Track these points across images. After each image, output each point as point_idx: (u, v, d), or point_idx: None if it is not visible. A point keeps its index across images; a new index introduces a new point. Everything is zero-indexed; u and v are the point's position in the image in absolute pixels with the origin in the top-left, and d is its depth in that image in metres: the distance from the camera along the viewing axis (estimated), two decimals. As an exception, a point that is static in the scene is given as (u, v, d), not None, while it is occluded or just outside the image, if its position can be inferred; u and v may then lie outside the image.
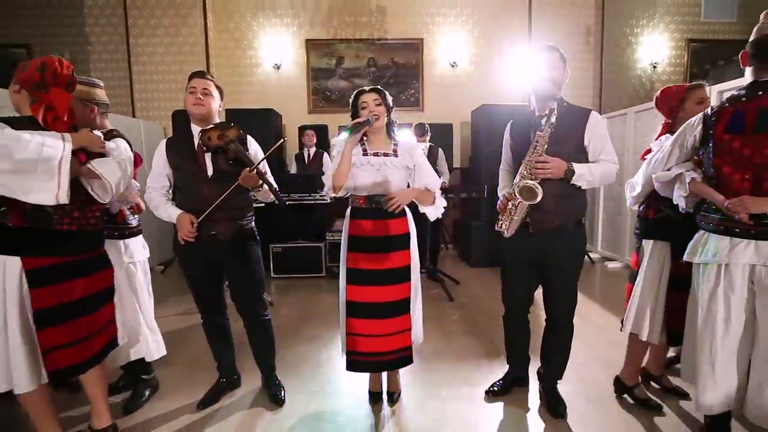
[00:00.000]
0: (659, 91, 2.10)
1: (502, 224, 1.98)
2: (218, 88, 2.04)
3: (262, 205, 2.39)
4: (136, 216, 2.21)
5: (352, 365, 2.01)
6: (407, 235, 2.03)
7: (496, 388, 2.27)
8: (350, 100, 2.01)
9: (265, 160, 1.99)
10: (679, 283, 1.92)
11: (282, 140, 2.21)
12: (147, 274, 2.26)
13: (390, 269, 1.97)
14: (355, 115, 1.98)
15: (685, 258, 1.72)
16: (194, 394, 2.26)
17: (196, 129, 2.00)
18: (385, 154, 1.98)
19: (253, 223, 2.15)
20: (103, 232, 1.86)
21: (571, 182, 1.86)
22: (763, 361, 1.53)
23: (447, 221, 6.07)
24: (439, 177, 2.37)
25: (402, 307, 2.00)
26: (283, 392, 2.25)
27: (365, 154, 1.98)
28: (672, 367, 2.45)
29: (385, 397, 2.23)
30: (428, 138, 4.67)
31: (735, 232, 1.55)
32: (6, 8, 5.76)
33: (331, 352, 2.82)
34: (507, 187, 2.06)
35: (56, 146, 1.51)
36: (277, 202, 1.98)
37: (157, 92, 5.95)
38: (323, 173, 4.42)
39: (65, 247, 1.65)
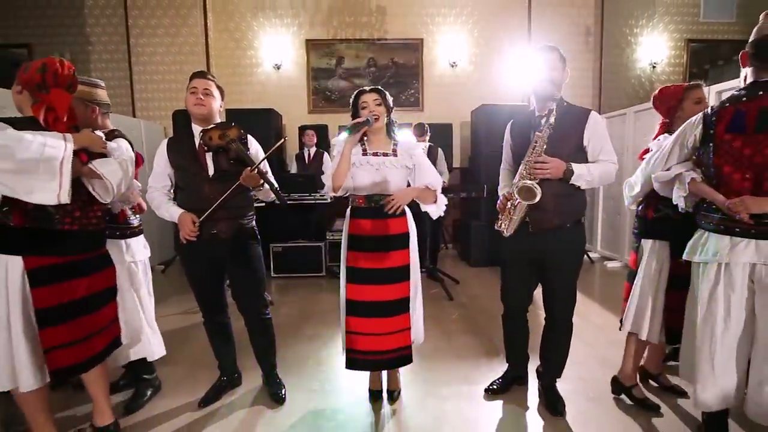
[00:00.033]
0: (657, 91, 2.10)
1: (501, 224, 2.00)
2: (219, 88, 2.05)
3: (263, 204, 2.39)
4: (137, 216, 2.22)
5: (352, 363, 2.02)
6: (407, 235, 2.04)
7: (495, 387, 2.29)
8: (350, 100, 2.02)
9: (265, 160, 2.00)
10: (678, 282, 1.93)
11: (283, 140, 2.22)
12: (148, 273, 2.27)
13: (389, 268, 1.98)
14: (355, 115, 1.99)
15: (685, 257, 1.73)
16: (195, 393, 2.27)
17: (197, 129, 2.01)
18: (385, 154, 1.99)
19: (254, 223, 2.16)
20: (105, 231, 1.87)
21: (570, 182, 1.87)
22: (762, 360, 1.54)
23: (447, 221, 6.08)
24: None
25: (401, 306, 2.01)
26: (283, 390, 2.26)
27: (365, 153, 1.99)
28: (666, 365, 2.46)
29: (385, 395, 2.24)
30: (428, 138, 4.68)
31: (735, 232, 1.56)
32: (6, 8, 5.77)
33: (331, 351, 2.83)
34: (507, 187, 2.07)
35: (58, 146, 1.53)
36: (278, 201, 2.00)
37: (158, 92, 5.96)
38: (323, 173, 4.44)
39: (67, 246, 1.66)
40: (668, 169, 1.78)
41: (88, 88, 1.95)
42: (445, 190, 2.09)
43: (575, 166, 1.85)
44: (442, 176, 4.58)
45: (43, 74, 1.59)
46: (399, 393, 2.25)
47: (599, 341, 2.91)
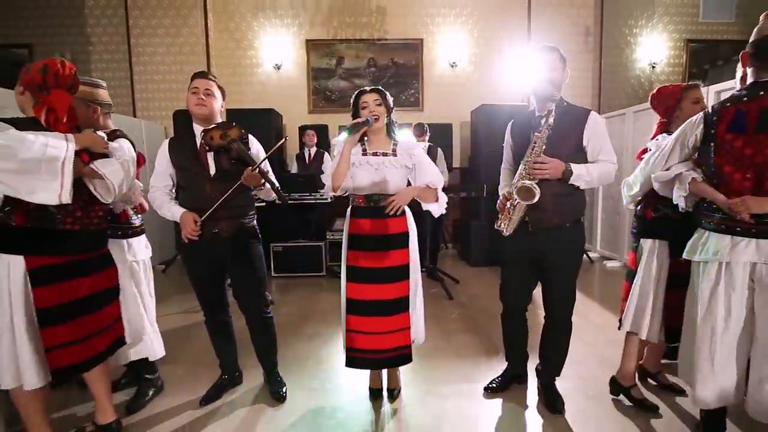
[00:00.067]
0: (655, 90, 2.11)
1: (501, 223, 2.01)
2: (220, 88, 2.06)
3: (263, 204, 2.41)
4: (139, 216, 2.23)
5: (351, 362, 2.04)
6: (406, 234, 2.04)
7: (494, 385, 2.30)
8: (351, 101, 2.03)
9: (266, 160, 2.01)
10: (678, 282, 1.94)
11: (284, 139, 2.23)
12: (149, 273, 2.28)
13: (389, 267, 1.99)
14: (355, 115, 2.00)
15: (685, 256, 1.74)
16: (196, 391, 2.28)
17: (198, 129, 2.02)
18: (384, 154, 2.00)
19: (255, 222, 2.17)
20: (107, 231, 1.88)
21: (569, 183, 1.88)
22: (762, 358, 1.55)
23: (447, 221, 6.09)
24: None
25: (401, 305, 2.02)
26: (284, 389, 2.27)
27: (364, 153, 2.00)
28: (665, 364, 2.47)
29: (385, 393, 2.25)
30: (427, 138, 4.69)
31: (736, 231, 1.57)
32: (7, 8, 5.78)
33: (331, 350, 2.84)
34: (508, 186, 2.08)
35: (59, 147, 1.54)
36: (279, 200, 2.01)
37: (158, 92, 5.98)
38: (323, 173, 4.45)
39: (68, 246, 1.67)
40: (668, 169, 1.79)
41: (90, 88, 1.96)
42: (445, 190, 2.10)
43: (574, 167, 1.86)
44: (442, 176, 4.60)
45: (44, 75, 1.60)
46: (399, 391, 2.26)
47: (598, 340, 2.92)
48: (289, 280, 4.60)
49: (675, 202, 1.78)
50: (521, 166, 1.91)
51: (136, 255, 2.16)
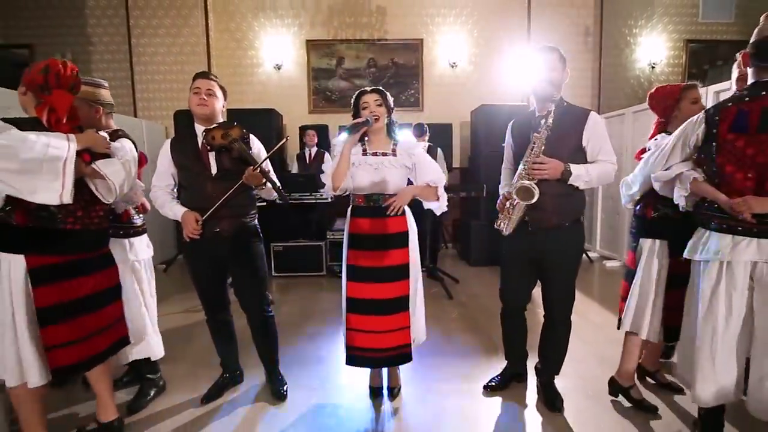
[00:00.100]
0: (653, 90, 2.11)
1: (501, 222, 2.02)
2: (222, 88, 2.07)
3: (264, 204, 2.42)
4: (140, 215, 2.23)
5: (351, 360, 2.05)
6: (405, 234, 2.05)
7: (493, 384, 2.31)
8: (352, 101, 2.05)
9: (268, 159, 2.03)
10: (677, 281, 1.94)
11: (285, 139, 2.25)
12: (151, 272, 2.28)
13: (388, 267, 2.00)
14: (356, 115, 2.02)
15: (686, 255, 1.74)
16: (198, 390, 2.29)
17: (199, 128, 2.04)
18: (384, 154, 2.01)
19: (256, 221, 2.18)
20: (108, 231, 1.89)
21: (569, 183, 1.89)
22: (761, 357, 1.56)
23: (447, 221, 6.11)
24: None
25: (400, 304, 2.03)
26: (285, 387, 2.28)
27: (364, 153, 2.01)
28: (663, 363, 2.48)
29: (385, 392, 2.26)
30: (427, 138, 4.71)
31: (738, 231, 1.57)
32: (8, 9, 5.79)
33: (332, 349, 2.85)
34: (508, 186, 2.09)
35: (61, 147, 1.54)
36: (280, 200, 2.02)
37: (159, 92, 5.99)
38: (324, 172, 4.46)
39: (69, 246, 1.67)
40: (668, 169, 1.79)
41: (92, 88, 1.97)
42: (445, 190, 2.11)
43: (573, 167, 1.87)
44: (442, 176, 4.61)
45: (45, 75, 1.60)
46: (399, 390, 2.28)
47: (598, 340, 2.93)
48: (290, 280, 4.61)
49: (676, 202, 1.78)
50: (520, 166, 1.92)
51: (137, 254, 2.16)
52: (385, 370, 2.28)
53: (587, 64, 6.32)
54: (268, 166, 2.03)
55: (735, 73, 1.95)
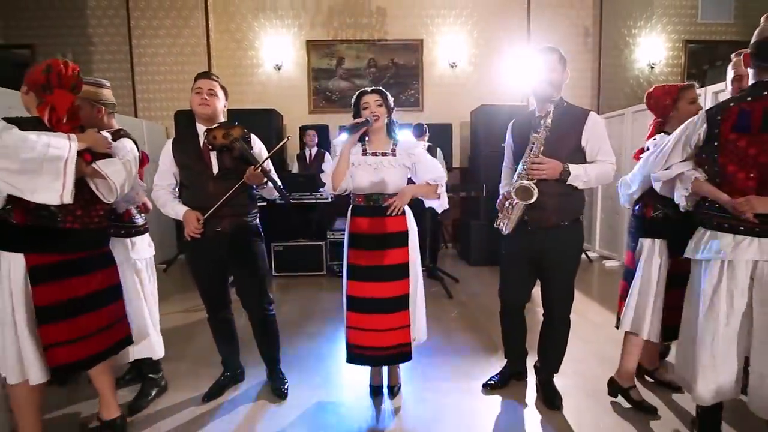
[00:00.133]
0: (651, 89, 2.11)
1: (500, 222, 2.04)
2: (223, 88, 2.08)
3: (264, 203, 2.43)
4: (142, 215, 2.24)
5: (352, 358, 2.07)
6: (405, 233, 2.06)
7: (492, 382, 2.32)
8: (352, 101, 2.06)
9: (269, 159, 2.04)
10: (677, 281, 1.95)
11: (287, 138, 2.26)
12: (153, 272, 2.28)
13: (388, 266, 2.01)
14: (356, 115, 2.03)
15: (688, 255, 1.75)
16: (199, 388, 2.31)
17: (201, 128, 2.05)
18: (384, 154, 2.02)
19: (257, 220, 2.19)
20: (108, 230, 1.89)
21: (567, 183, 1.90)
22: (762, 354, 1.57)
23: (447, 221, 6.12)
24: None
25: (400, 303, 2.03)
26: (286, 385, 2.29)
27: (364, 153, 2.03)
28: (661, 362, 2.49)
29: (385, 390, 2.28)
30: (427, 138, 4.73)
31: (739, 230, 1.58)
32: (9, 9, 5.81)
33: (332, 348, 2.87)
34: (508, 185, 2.10)
35: (62, 147, 1.55)
36: (281, 199, 2.03)
37: (160, 92, 6.00)
38: (323, 172, 4.48)
39: (68, 245, 1.68)
40: (668, 168, 1.79)
41: (94, 88, 1.98)
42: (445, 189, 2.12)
43: (572, 167, 1.88)
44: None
45: (47, 75, 1.61)
46: (399, 388, 2.29)
47: (597, 339, 2.95)
48: (290, 279, 4.62)
49: (676, 202, 1.78)
50: (520, 166, 1.93)
51: (139, 254, 2.17)
52: (385, 369, 2.29)
53: (587, 65, 6.34)
54: (269, 165, 2.04)
55: (730, 73, 1.95)
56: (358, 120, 1.96)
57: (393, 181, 2.01)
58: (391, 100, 2.05)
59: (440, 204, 2.08)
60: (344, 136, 1.95)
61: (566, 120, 1.92)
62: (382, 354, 2.03)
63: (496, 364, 2.50)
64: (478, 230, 5.13)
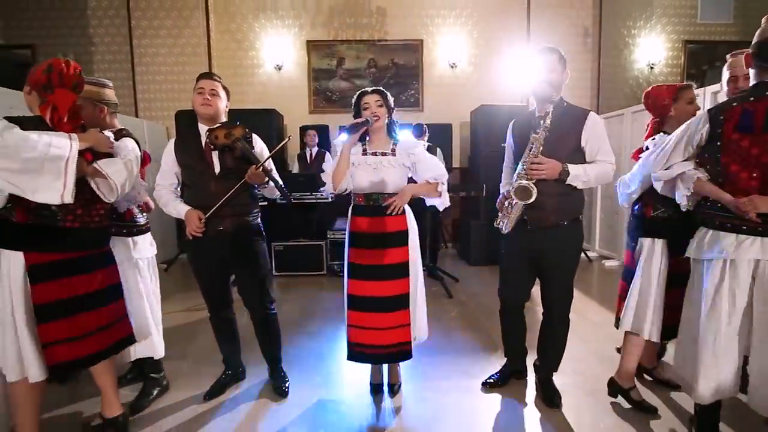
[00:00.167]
0: (650, 89, 2.12)
1: (500, 221, 2.05)
2: (225, 88, 2.10)
3: (265, 203, 2.44)
4: (144, 214, 2.24)
5: (352, 356, 2.09)
6: (405, 232, 2.07)
7: (491, 380, 2.34)
8: (353, 101, 2.07)
9: (270, 158, 2.05)
10: (677, 280, 1.96)
11: (288, 138, 2.27)
12: (155, 271, 2.29)
13: (388, 265, 2.03)
14: (357, 116, 2.04)
15: (690, 255, 1.75)
16: (201, 387, 2.32)
17: (203, 128, 2.06)
18: (383, 154, 2.04)
19: (259, 220, 2.21)
20: (109, 229, 1.89)
21: (567, 183, 1.91)
22: (762, 352, 1.57)
23: (446, 220, 6.13)
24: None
25: (400, 302, 2.05)
26: (287, 384, 2.31)
27: (364, 153, 2.04)
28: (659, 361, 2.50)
29: (386, 388, 2.29)
30: (426, 138, 4.74)
31: (742, 230, 1.58)
32: (10, 9, 5.82)
33: (332, 347, 2.88)
34: (508, 185, 2.11)
35: (63, 146, 1.56)
36: (282, 198, 2.05)
37: (160, 93, 6.01)
38: (324, 171, 4.49)
39: (67, 243, 1.68)
40: (669, 168, 1.79)
41: (97, 88, 1.99)
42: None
43: (571, 167, 1.89)
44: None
45: (48, 75, 1.61)
46: (399, 386, 2.30)
47: (596, 338, 2.96)
48: (290, 279, 4.64)
49: (678, 201, 1.78)
50: (519, 166, 1.95)
51: (141, 253, 2.17)
52: (385, 367, 2.31)
53: (586, 65, 6.35)
54: (270, 165, 2.06)
55: (726, 74, 1.95)
56: (359, 120, 1.97)
57: (393, 180, 2.02)
58: (391, 100, 2.06)
59: (442, 202, 2.09)
60: (344, 136, 1.97)
61: (566, 120, 1.93)
62: (382, 352, 2.05)
63: (495, 363, 2.51)
64: (478, 230, 5.14)
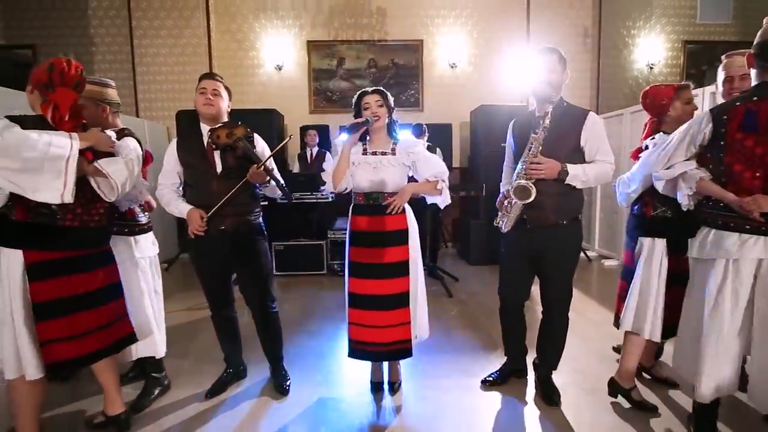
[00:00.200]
0: (648, 89, 2.12)
1: (500, 220, 2.06)
2: (227, 88, 2.11)
3: (266, 203, 2.46)
4: (146, 213, 2.25)
5: (353, 353, 2.11)
6: (404, 231, 2.07)
7: (491, 379, 2.35)
8: (353, 101, 2.08)
9: (272, 158, 2.07)
10: (676, 280, 1.97)
11: (289, 137, 2.28)
12: (157, 270, 2.29)
13: (387, 264, 2.04)
14: (358, 115, 2.06)
15: (692, 255, 1.76)
16: (202, 385, 2.33)
17: (205, 128, 2.08)
18: (383, 153, 2.05)
19: (260, 219, 2.22)
20: (109, 229, 1.89)
21: (566, 183, 1.92)
22: (763, 350, 1.58)
23: (446, 220, 6.14)
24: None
25: (400, 300, 2.06)
26: (288, 382, 2.32)
27: (365, 153, 2.06)
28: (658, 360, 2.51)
29: (386, 386, 2.30)
30: (426, 138, 4.75)
31: (745, 229, 1.59)
32: (11, 9, 5.83)
33: (333, 345, 2.89)
34: (508, 184, 2.12)
35: (63, 146, 1.56)
36: (283, 197, 2.06)
37: (161, 93, 6.02)
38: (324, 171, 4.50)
39: (67, 242, 1.68)
40: (670, 167, 1.79)
41: (99, 87, 2.00)
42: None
43: (570, 167, 1.90)
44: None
45: (50, 74, 1.62)
46: (400, 385, 2.31)
47: (595, 337, 2.97)
48: (291, 278, 4.65)
49: (679, 201, 1.78)
50: (519, 166, 1.96)
51: (143, 252, 2.18)
52: (385, 365, 2.32)
53: (586, 65, 6.36)
54: (271, 164, 2.07)
55: (721, 75, 1.96)
56: (359, 120, 1.99)
57: (392, 180, 2.03)
58: (391, 100, 2.07)
59: (443, 200, 2.10)
60: (345, 136, 1.98)
61: (566, 120, 1.94)
62: (382, 350, 2.06)
63: (495, 362, 2.53)
64: (478, 230, 5.16)
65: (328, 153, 5.33)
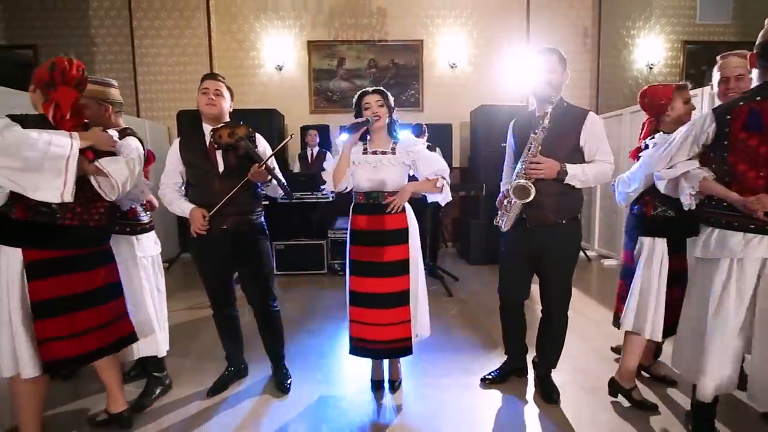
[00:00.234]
0: (646, 89, 2.14)
1: (500, 219, 2.08)
2: (229, 89, 2.13)
3: (267, 202, 2.46)
4: (147, 212, 2.25)
5: (354, 350, 2.12)
6: (404, 230, 2.09)
7: (490, 377, 2.36)
8: (354, 101, 2.10)
9: (273, 157, 2.08)
10: (677, 279, 1.98)
11: (290, 137, 2.29)
12: (159, 269, 2.30)
13: (387, 262, 2.05)
14: (358, 115, 2.07)
15: (696, 254, 1.76)
16: (203, 383, 2.35)
17: (207, 128, 2.09)
18: (383, 153, 2.06)
19: (262, 218, 2.23)
20: (110, 228, 1.89)
21: (565, 182, 1.93)
22: (763, 349, 1.59)
23: (446, 219, 6.16)
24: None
25: (401, 299, 2.07)
26: (289, 380, 2.34)
27: (365, 152, 2.07)
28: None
29: (386, 385, 2.31)
30: (425, 138, 4.76)
31: (749, 228, 1.59)
32: (12, 10, 5.84)
33: (333, 344, 2.91)
34: (508, 183, 2.13)
35: (64, 145, 1.56)
36: (285, 196, 2.08)
37: (162, 93, 6.03)
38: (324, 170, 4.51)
39: (65, 241, 1.68)
40: (671, 167, 1.79)
41: (102, 87, 2.01)
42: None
43: (569, 167, 1.91)
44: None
45: (51, 72, 1.63)
46: (400, 383, 2.32)
47: (594, 336, 2.98)
48: (291, 278, 4.66)
49: (681, 200, 1.78)
50: (518, 166, 1.97)
51: (145, 251, 2.18)
52: (386, 364, 2.33)
53: (585, 65, 6.37)
54: (273, 163, 2.08)
55: (716, 75, 1.96)
56: (359, 120, 2.00)
57: (392, 179, 2.04)
58: (392, 100, 2.09)
59: (443, 197, 2.11)
60: (345, 136, 1.99)
61: (565, 120, 1.95)
62: (383, 347, 2.08)
63: (495, 361, 2.54)
64: (478, 229, 5.17)
65: (328, 153, 5.33)
